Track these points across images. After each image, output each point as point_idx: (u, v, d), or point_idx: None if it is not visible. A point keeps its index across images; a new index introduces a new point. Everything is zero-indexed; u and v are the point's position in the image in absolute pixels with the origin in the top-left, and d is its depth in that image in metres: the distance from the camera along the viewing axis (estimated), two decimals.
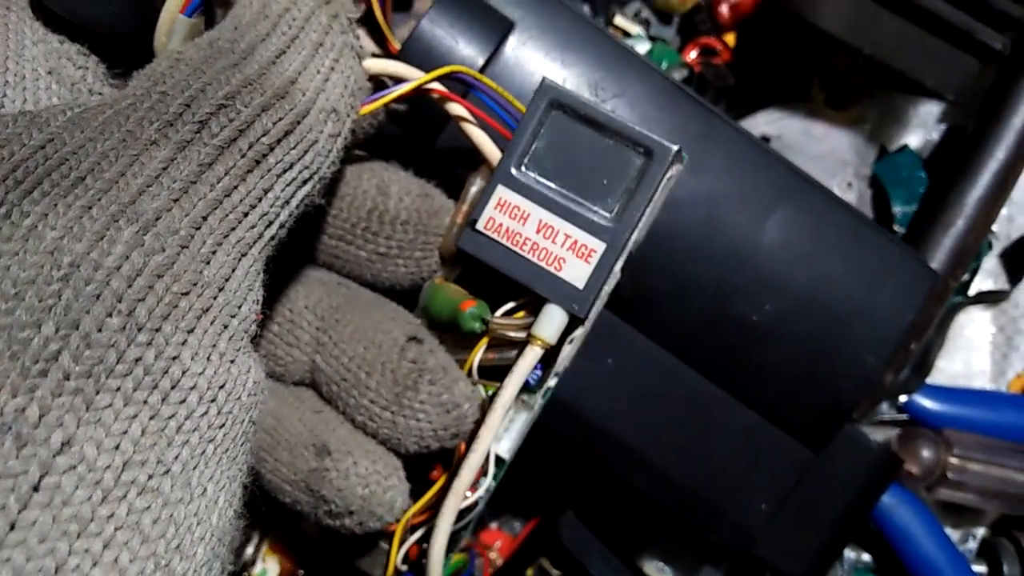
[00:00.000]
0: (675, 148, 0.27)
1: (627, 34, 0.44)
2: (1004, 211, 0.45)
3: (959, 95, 0.41)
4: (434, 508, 0.32)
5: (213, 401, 0.19)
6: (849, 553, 0.41)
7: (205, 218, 0.20)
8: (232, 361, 0.20)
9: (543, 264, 0.28)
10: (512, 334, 0.30)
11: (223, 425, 0.20)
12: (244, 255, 0.21)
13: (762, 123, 0.43)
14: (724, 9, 0.43)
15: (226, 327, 0.20)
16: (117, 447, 0.17)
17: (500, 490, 0.42)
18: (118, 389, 0.18)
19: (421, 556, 0.32)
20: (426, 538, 0.32)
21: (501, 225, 0.28)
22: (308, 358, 0.30)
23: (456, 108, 0.29)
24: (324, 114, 0.22)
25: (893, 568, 0.41)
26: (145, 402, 0.18)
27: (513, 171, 0.28)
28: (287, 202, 0.22)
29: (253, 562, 0.38)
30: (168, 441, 0.18)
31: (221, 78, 0.20)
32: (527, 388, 0.30)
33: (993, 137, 0.40)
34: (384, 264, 0.31)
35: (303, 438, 0.29)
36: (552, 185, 0.28)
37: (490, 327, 0.30)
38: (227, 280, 0.20)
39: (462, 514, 0.31)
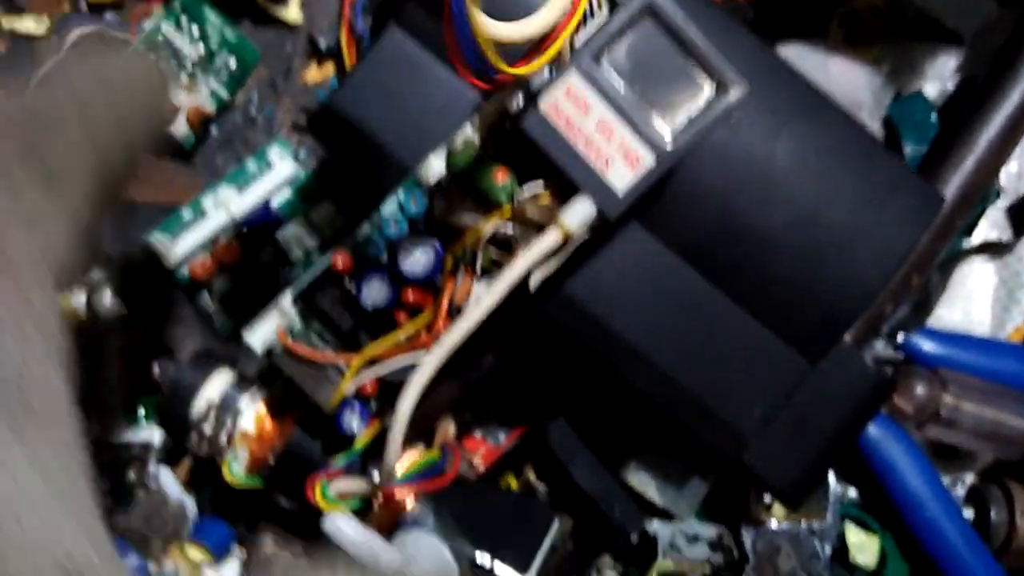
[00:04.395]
0: (747, 90, 0.28)
1: None
2: (1013, 167, 0.45)
3: (975, 40, 0.41)
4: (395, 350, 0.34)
5: None
6: (835, 487, 0.41)
7: None
8: None
9: (591, 160, 0.29)
10: (534, 216, 0.31)
11: None
12: None
13: None
14: None
15: None
16: None
17: (486, 398, 0.42)
18: None
19: (383, 393, 0.32)
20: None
21: (562, 112, 0.29)
22: None
23: None
24: None
25: (879, 504, 0.41)
26: None
27: (591, 62, 0.28)
28: None
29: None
30: None
31: None
32: None
33: (1008, 80, 0.40)
34: None
35: None
36: (623, 86, 0.28)
37: (516, 203, 0.30)
38: None
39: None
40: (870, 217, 0.34)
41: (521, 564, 0.34)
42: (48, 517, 0.21)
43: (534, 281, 0.32)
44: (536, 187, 0.31)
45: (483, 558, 0.34)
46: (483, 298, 0.30)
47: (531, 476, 0.41)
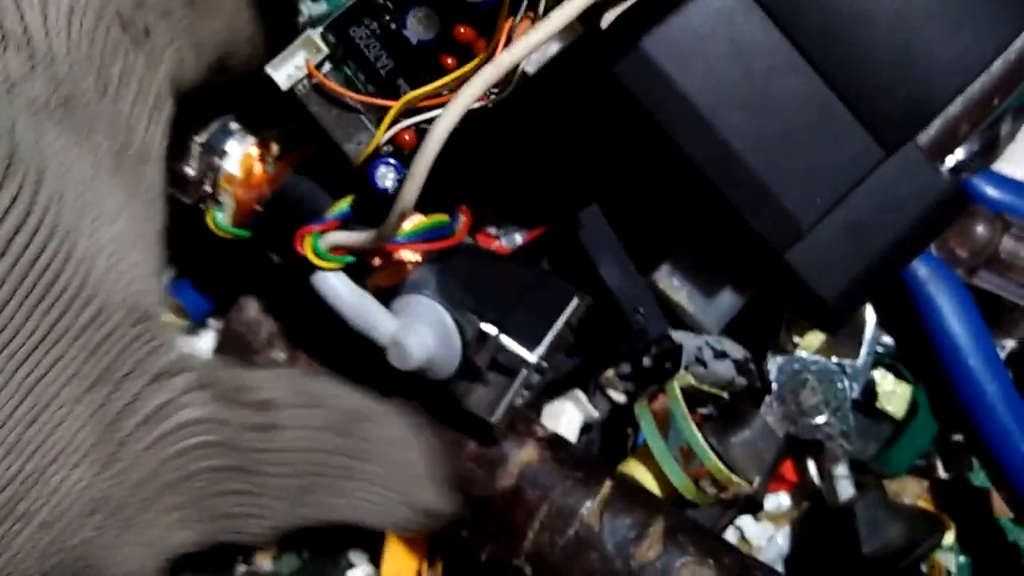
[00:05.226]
0: None
1: None
2: None
3: None
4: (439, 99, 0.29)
5: None
6: (873, 329, 0.37)
7: None
8: None
9: None
10: None
11: None
12: None
13: None
14: None
15: None
16: None
17: (508, 192, 0.38)
18: None
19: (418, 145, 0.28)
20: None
21: None
22: None
23: None
24: None
25: (916, 357, 0.38)
26: None
27: None
28: None
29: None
30: None
31: None
32: None
33: None
34: None
35: None
36: None
37: None
38: None
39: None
40: (972, 10, 0.30)
41: (530, 340, 0.31)
42: (128, 257, 0.22)
43: (607, 18, 0.28)
44: None
45: (489, 329, 0.31)
46: (551, 18, 0.26)
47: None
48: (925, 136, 0.34)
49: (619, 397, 0.38)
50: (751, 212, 0.30)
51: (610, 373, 0.38)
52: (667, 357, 0.35)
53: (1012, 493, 0.36)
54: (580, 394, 0.38)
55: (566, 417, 0.37)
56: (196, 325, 0.37)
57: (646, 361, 0.37)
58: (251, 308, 0.36)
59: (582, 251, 0.35)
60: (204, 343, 0.37)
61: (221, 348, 0.37)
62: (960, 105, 0.34)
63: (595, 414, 0.38)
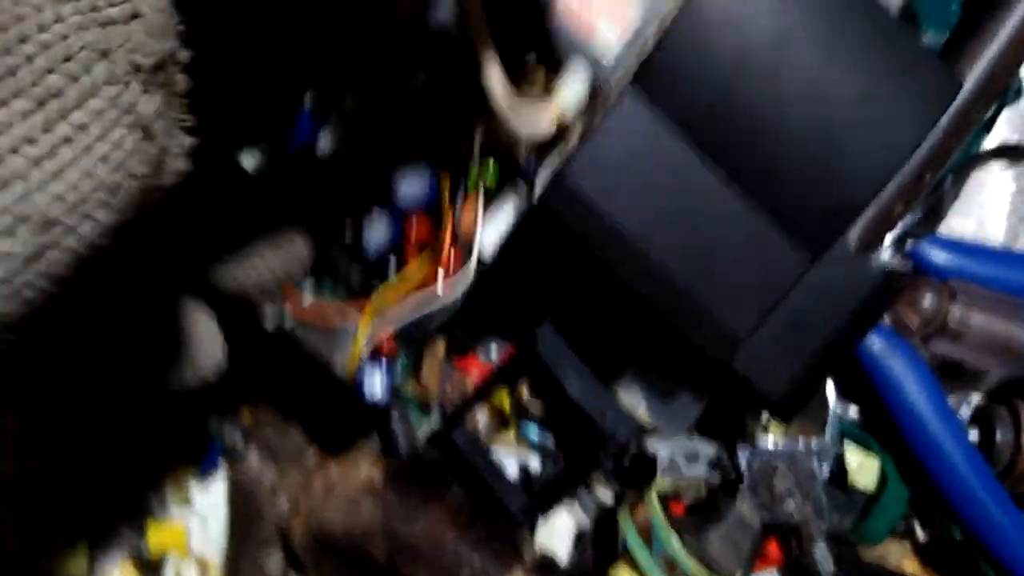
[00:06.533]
0: None
1: None
2: None
3: None
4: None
5: None
6: (835, 405, 0.39)
7: None
8: None
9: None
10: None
11: None
12: None
13: None
14: None
15: None
16: None
17: (480, 313, 0.40)
18: None
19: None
20: None
21: None
22: None
23: None
24: None
25: (880, 424, 0.39)
26: None
27: None
28: None
29: None
30: None
31: None
32: None
33: None
34: None
35: None
36: None
37: None
38: None
39: None
40: (883, 96, 0.32)
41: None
42: None
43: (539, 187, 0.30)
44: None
45: None
46: None
47: (524, 394, 0.39)
48: (858, 225, 0.35)
49: (606, 495, 0.40)
50: (688, 328, 0.32)
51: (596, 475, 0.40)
52: (642, 464, 0.37)
53: (986, 554, 0.37)
54: (572, 503, 0.39)
55: (560, 529, 0.39)
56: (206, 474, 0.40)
57: (625, 462, 0.38)
58: (253, 459, 0.38)
59: (543, 365, 0.36)
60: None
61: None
62: (892, 189, 0.35)
63: (586, 520, 0.39)
